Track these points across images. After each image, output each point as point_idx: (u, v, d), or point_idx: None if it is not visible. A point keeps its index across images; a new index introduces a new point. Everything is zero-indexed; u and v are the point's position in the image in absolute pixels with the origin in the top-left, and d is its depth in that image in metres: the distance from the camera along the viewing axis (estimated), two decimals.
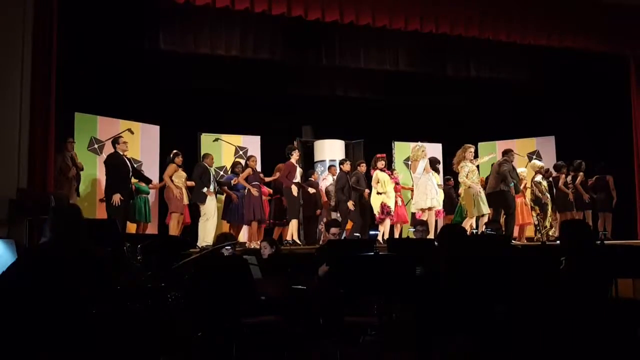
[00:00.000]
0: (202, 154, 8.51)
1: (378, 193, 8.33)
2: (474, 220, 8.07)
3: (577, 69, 9.37)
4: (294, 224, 8.06)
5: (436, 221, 8.47)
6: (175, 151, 7.90)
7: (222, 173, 9.07)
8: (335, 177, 8.68)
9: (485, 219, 7.90)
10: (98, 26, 7.45)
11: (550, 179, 9.01)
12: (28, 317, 2.46)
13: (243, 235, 8.36)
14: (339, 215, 8.35)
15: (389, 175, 8.51)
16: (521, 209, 8.84)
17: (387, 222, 8.27)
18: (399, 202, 8.74)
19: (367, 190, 8.41)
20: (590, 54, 8.73)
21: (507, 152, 8.43)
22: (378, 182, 8.35)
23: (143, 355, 3.27)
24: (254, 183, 8.05)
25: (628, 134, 8.91)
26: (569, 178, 9.18)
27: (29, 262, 2.59)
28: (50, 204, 5.29)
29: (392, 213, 8.31)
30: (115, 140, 7.34)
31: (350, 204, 8.08)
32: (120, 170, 7.07)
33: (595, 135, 9.63)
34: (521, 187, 8.84)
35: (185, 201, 7.90)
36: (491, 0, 8.09)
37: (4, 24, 5.76)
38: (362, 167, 8.60)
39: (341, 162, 8.61)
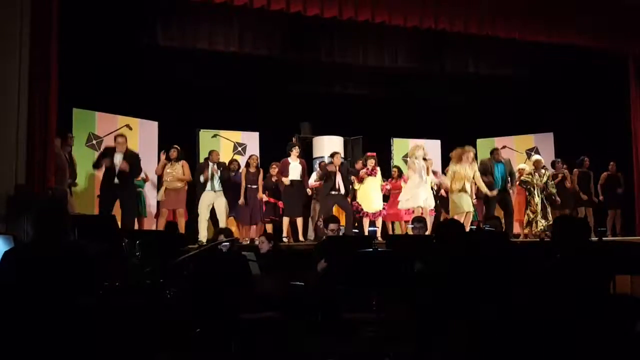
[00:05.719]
0: (208, 151, 8.29)
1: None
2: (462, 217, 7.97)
3: (576, 66, 9.35)
4: (286, 222, 8.01)
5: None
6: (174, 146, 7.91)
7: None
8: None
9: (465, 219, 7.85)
10: (97, 21, 7.43)
11: (551, 174, 9.00)
12: (15, 319, 2.41)
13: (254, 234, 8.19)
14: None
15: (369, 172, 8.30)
16: (518, 205, 8.83)
17: (364, 220, 8.23)
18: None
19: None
20: (589, 51, 8.74)
21: (492, 153, 8.58)
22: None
23: (142, 351, 3.28)
24: (252, 187, 8.01)
25: (627, 131, 8.93)
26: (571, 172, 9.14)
27: (12, 263, 2.52)
28: (47, 199, 5.28)
29: (362, 211, 8.20)
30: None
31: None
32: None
33: (594, 132, 9.63)
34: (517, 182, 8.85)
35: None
36: None
37: (2, 18, 5.73)
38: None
39: (331, 156, 8.39)
